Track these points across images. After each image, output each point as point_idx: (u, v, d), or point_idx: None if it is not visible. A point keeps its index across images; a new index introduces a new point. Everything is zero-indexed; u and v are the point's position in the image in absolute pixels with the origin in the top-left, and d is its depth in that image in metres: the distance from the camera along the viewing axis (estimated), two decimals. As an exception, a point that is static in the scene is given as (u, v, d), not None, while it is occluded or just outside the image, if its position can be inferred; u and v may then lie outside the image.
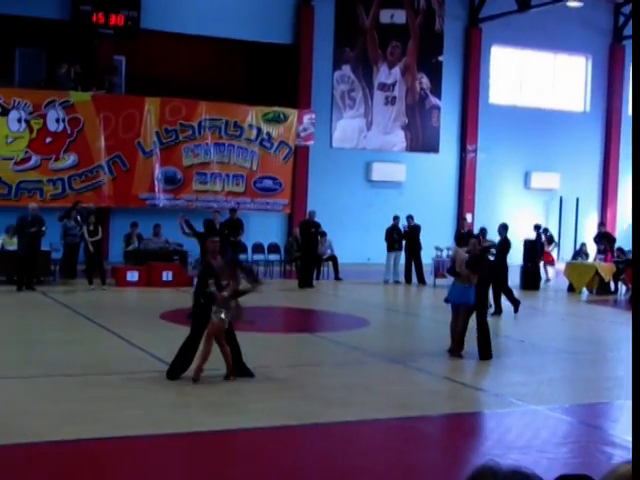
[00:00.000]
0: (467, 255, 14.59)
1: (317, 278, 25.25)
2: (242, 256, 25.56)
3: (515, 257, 24.96)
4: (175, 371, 11.61)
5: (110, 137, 26.39)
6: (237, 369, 11.73)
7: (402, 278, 25.56)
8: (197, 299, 11.94)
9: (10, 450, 8.53)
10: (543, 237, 26.44)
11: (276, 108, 28.75)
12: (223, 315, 11.39)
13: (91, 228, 22.50)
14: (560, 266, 27.43)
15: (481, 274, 14.30)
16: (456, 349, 14.19)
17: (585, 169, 34.57)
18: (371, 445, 9.52)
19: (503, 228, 20.96)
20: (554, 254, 28.82)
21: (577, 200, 32.64)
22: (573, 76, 34.83)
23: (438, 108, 32.25)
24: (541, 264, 26.25)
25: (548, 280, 26.83)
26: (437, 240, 25.82)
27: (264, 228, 28.88)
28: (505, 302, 19.62)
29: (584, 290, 24.76)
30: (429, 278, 25.00)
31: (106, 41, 27.64)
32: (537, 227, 26.23)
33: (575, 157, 34.03)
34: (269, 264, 26.64)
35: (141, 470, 8.16)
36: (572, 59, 34.71)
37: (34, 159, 25.66)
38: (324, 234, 25.40)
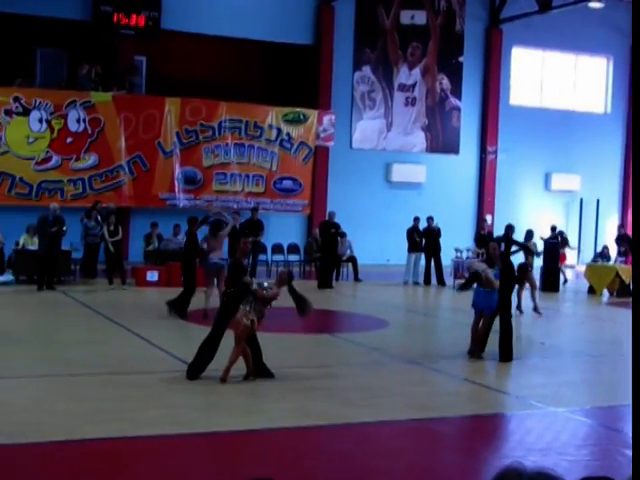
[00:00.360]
0: (483, 265, 14.54)
1: (336, 279, 25.23)
2: (262, 257, 25.62)
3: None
4: (195, 371, 11.63)
5: (130, 137, 26.48)
6: (257, 369, 11.74)
7: (422, 279, 25.53)
8: (223, 298, 11.99)
9: (32, 449, 8.57)
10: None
11: (296, 109, 28.77)
12: (252, 317, 11.41)
13: (111, 228, 22.59)
14: (581, 268, 27.30)
15: (505, 277, 14.23)
16: (476, 351, 14.15)
17: (606, 171, 34.43)
18: (390, 446, 9.49)
19: (508, 228, 21.02)
20: (570, 256, 28.64)
21: (598, 202, 32.53)
22: (594, 77, 34.69)
23: (458, 109, 32.19)
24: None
25: (566, 281, 26.70)
26: (457, 241, 25.77)
27: (284, 228, 28.90)
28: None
29: (604, 292, 24.66)
30: (449, 279, 24.95)
31: (127, 41, 27.72)
32: (553, 229, 26.14)
33: (596, 159, 33.90)
34: (288, 265, 26.64)
35: (161, 469, 8.17)
36: (593, 60, 34.57)
37: (55, 159, 25.77)
38: (344, 235, 25.39)
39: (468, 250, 25.30)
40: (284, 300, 11.99)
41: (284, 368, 12.33)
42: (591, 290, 24.80)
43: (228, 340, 11.68)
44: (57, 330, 15.83)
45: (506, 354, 13.91)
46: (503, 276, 14.17)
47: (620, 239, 26.57)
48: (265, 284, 11.73)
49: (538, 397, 11.55)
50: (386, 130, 31.28)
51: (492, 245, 14.97)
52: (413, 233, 25.70)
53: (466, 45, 32.11)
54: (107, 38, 27.34)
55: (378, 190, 31.05)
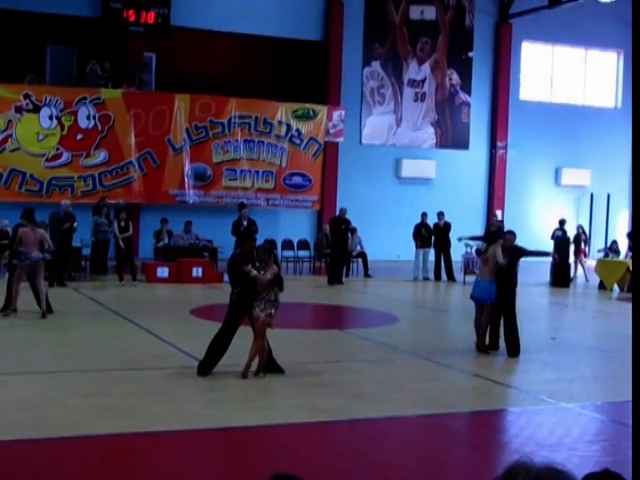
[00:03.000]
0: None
1: (347, 275, 25.25)
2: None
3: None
4: (205, 368, 11.64)
5: (140, 134, 26.49)
6: (267, 365, 11.75)
7: (431, 275, 25.54)
8: (232, 296, 11.99)
9: (43, 444, 8.60)
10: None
11: (306, 104, 28.74)
12: (269, 311, 11.46)
13: (122, 224, 22.61)
14: (591, 263, 27.26)
15: (510, 270, 14.22)
16: (484, 346, 14.14)
17: (616, 165, 34.31)
18: (401, 442, 9.50)
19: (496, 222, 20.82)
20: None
21: (608, 196, 32.45)
22: (604, 72, 34.59)
23: (468, 104, 32.14)
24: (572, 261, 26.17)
25: (586, 279, 26.64)
26: (467, 237, 25.70)
27: (293, 224, 28.90)
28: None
29: (615, 287, 24.60)
30: (459, 275, 24.93)
31: (136, 38, 27.75)
32: (561, 222, 26.09)
33: (606, 153, 33.81)
34: (298, 260, 26.66)
35: (172, 465, 8.19)
36: (603, 54, 34.48)
37: (65, 156, 25.81)
38: (355, 230, 25.39)
39: (478, 246, 25.24)
40: (294, 297, 12.00)
41: (294, 364, 12.35)
42: (602, 285, 24.75)
43: (237, 337, 11.72)
44: (67, 326, 15.86)
45: (514, 348, 13.89)
46: (509, 269, 14.16)
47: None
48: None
49: (549, 392, 11.54)
50: (396, 126, 31.25)
51: (508, 237, 14.72)
52: (420, 229, 25.71)
53: (476, 40, 32.05)
54: (117, 35, 27.38)
55: (388, 186, 31.03)
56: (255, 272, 11.58)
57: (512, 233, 14.97)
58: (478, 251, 16.00)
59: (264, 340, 11.59)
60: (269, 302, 11.51)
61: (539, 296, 21.89)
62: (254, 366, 11.62)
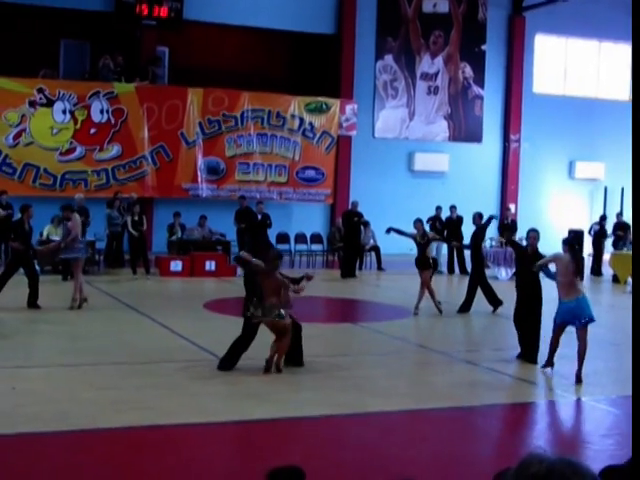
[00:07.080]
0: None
1: (359, 268, 25.23)
2: (285, 246, 25.62)
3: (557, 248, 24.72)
4: (228, 362, 11.61)
5: (153, 128, 26.53)
6: (288, 357, 11.84)
7: (444, 268, 25.50)
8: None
9: (59, 437, 8.64)
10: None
11: (319, 98, 28.73)
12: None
13: (135, 218, 22.65)
14: (605, 256, 27.17)
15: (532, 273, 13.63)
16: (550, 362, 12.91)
17: (630, 159, 34.14)
18: (414, 435, 9.50)
19: (478, 217, 19.94)
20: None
21: (622, 190, 32.30)
22: (618, 64, 34.43)
23: (481, 98, 32.05)
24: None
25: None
26: (480, 230, 25.64)
27: (306, 218, 28.88)
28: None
29: (629, 280, 24.50)
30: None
31: (149, 32, 27.76)
32: (603, 218, 26.22)
33: (620, 146, 33.54)
34: (312, 254, 26.65)
35: (185, 458, 8.21)
36: (617, 47, 34.29)
37: (79, 150, 25.86)
38: (367, 224, 25.38)
39: (492, 239, 25.18)
40: (307, 290, 12.00)
41: (307, 357, 12.33)
42: (615, 279, 24.67)
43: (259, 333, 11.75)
44: (81, 320, 15.91)
45: (530, 354, 13.32)
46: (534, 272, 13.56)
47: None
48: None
49: (563, 386, 11.53)
50: (409, 119, 31.20)
51: (532, 234, 13.77)
52: (435, 222, 25.67)
53: (489, 33, 31.95)
54: (130, 29, 27.40)
55: (401, 179, 30.98)
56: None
57: (535, 231, 14.11)
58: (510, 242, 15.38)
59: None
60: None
61: (552, 289, 21.74)
62: (262, 360, 11.64)
